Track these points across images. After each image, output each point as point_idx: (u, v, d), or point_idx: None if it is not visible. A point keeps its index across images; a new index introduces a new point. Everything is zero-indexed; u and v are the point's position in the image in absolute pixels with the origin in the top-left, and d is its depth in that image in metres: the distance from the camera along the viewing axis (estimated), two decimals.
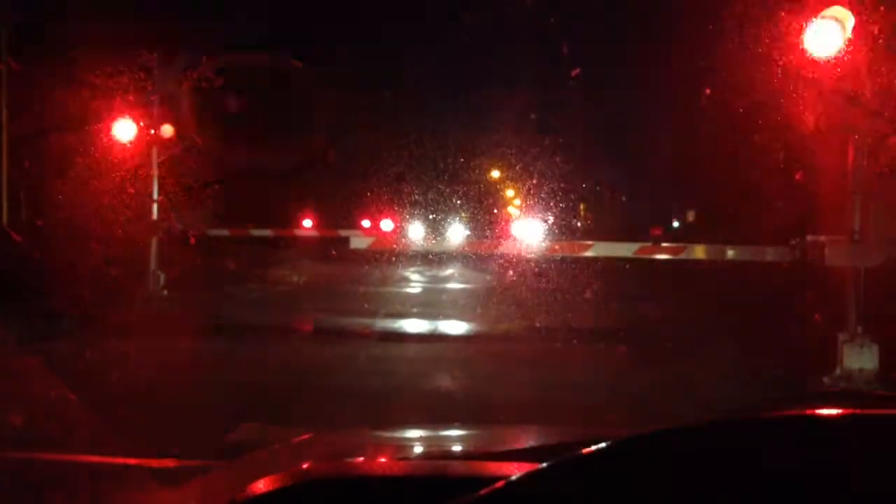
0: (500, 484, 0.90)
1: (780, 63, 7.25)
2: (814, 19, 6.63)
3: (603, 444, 0.91)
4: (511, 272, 15.38)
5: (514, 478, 0.90)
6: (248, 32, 14.27)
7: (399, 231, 15.36)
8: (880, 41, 6.76)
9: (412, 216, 16.14)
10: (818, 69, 6.95)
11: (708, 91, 11.02)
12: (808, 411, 0.94)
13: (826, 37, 6.57)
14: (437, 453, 1.92)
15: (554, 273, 13.85)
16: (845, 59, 6.71)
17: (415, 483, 1.31)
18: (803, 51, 6.77)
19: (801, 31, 6.75)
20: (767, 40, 7.36)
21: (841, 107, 7.20)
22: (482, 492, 0.89)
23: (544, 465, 0.91)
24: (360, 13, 22.08)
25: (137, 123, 12.49)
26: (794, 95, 7.61)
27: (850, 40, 6.60)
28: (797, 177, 9.74)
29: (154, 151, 12.84)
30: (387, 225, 15.38)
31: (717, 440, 0.92)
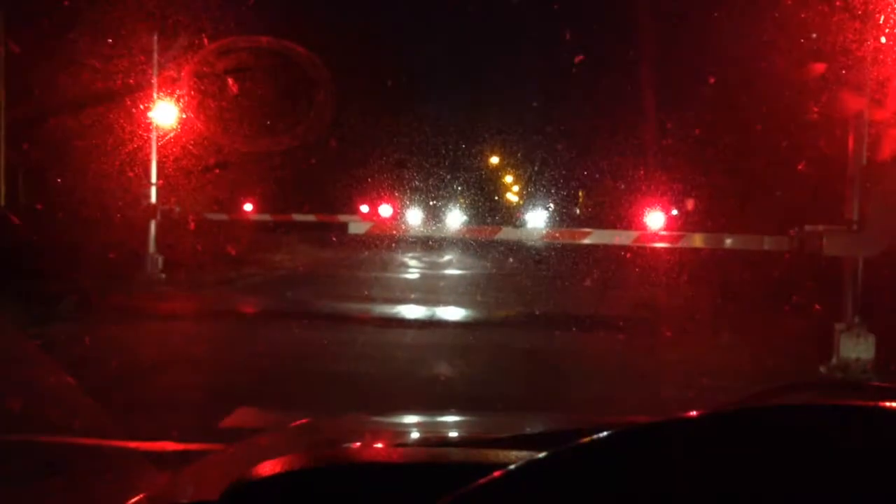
0: (498, 473, 0.89)
1: (785, 52, 7.24)
2: (822, 10, 6.61)
3: (604, 434, 0.90)
4: (510, 259, 15.40)
5: (513, 467, 0.90)
6: (250, 17, 14.20)
7: (397, 217, 15.34)
8: (885, 30, 6.75)
9: (411, 202, 16.14)
10: (822, 58, 6.93)
11: (711, 80, 10.99)
12: (802, 403, 0.94)
13: (831, 27, 6.56)
14: (436, 439, 1.91)
15: (553, 260, 13.87)
16: (848, 48, 6.70)
17: (412, 470, 1.31)
18: (808, 40, 6.76)
19: (806, 21, 6.74)
20: (772, 30, 7.35)
21: (843, 96, 7.19)
22: (481, 481, 0.88)
23: (544, 454, 0.91)
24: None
25: (137, 106, 12.46)
26: (797, 85, 7.60)
27: (853, 29, 6.58)
28: (799, 166, 9.72)
29: (154, 135, 12.82)
30: (385, 210, 15.34)
31: (716, 432, 0.92)
